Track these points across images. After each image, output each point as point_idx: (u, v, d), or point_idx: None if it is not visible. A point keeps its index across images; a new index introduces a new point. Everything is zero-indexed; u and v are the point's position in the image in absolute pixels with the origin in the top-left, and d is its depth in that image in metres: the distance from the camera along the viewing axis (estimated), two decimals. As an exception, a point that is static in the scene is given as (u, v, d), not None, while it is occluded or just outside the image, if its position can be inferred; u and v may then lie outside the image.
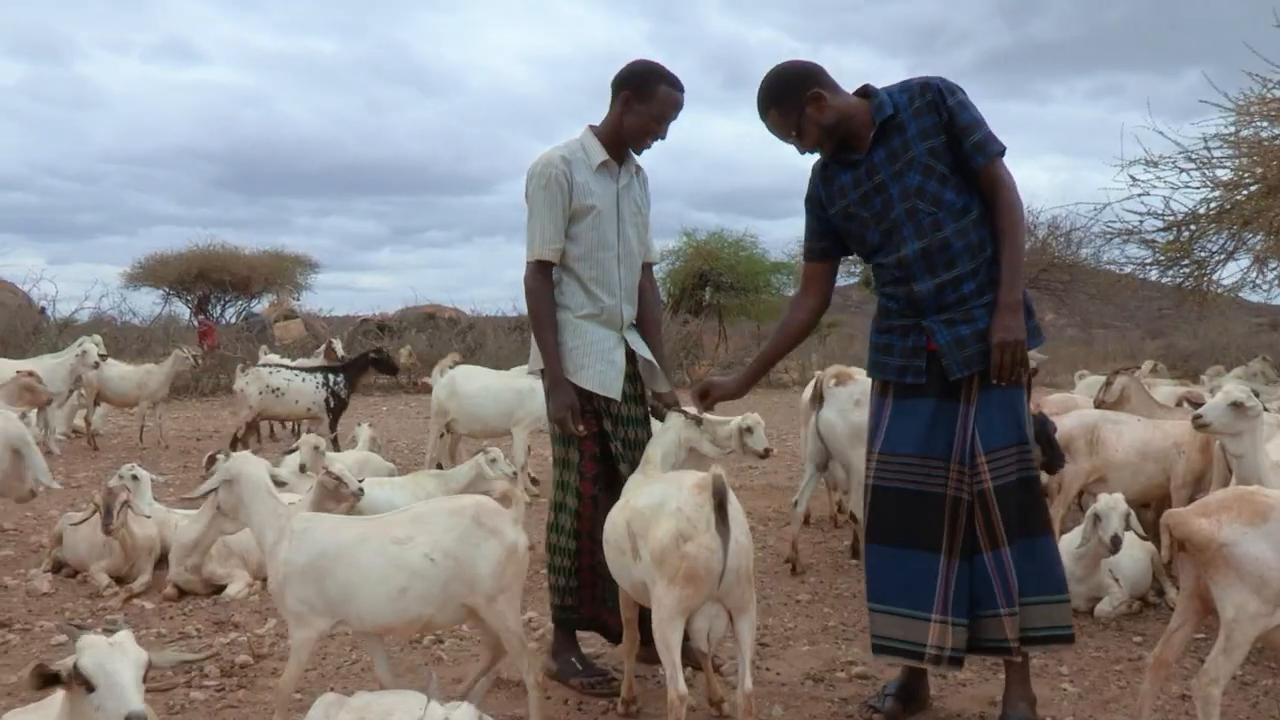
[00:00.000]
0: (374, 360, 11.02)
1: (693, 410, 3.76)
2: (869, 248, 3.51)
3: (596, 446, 3.81)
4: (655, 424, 3.91)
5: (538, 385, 8.41)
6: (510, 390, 8.34)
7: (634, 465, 3.74)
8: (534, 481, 8.66)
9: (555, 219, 3.71)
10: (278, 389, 9.76)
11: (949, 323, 3.35)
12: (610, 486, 3.77)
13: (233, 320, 29.53)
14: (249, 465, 3.41)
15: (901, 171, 3.35)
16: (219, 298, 31.10)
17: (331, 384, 9.80)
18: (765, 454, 5.41)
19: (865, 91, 3.45)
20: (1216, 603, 3.05)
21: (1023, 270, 3.34)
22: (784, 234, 50.07)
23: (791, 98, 3.41)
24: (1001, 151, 3.34)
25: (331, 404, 9.76)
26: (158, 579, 5.16)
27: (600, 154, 3.77)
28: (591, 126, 3.84)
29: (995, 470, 3.33)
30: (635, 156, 3.91)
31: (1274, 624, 3.00)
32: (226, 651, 4.16)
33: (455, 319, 27.07)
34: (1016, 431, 3.37)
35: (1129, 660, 4.25)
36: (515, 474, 7.61)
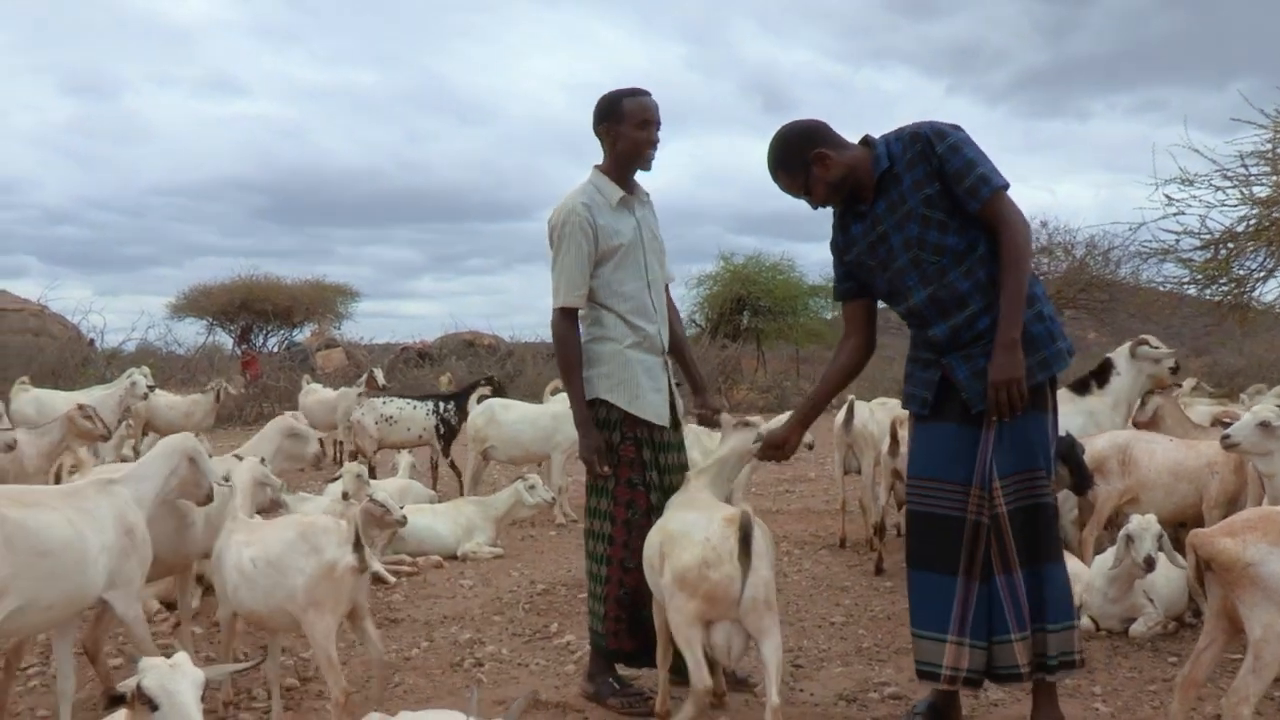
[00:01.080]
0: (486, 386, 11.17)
1: (751, 419, 3.92)
2: (880, 294, 3.66)
3: (632, 473, 3.91)
4: (689, 436, 4.04)
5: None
6: (548, 416, 8.48)
7: (667, 491, 3.86)
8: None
9: (581, 266, 3.84)
10: (390, 417, 9.96)
11: (967, 358, 3.43)
12: (647, 513, 3.87)
13: (275, 349, 29.96)
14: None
15: (901, 223, 3.44)
16: (261, 327, 31.57)
17: (442, 411, 9.99)
18: (809, 447, 5.65)
19: (867, 141, 3.54)
20: (1244, 622, 3.08)
21: (1022, 307, 3.33)
22: (823, 256, 49.49)
23: (796, 159, 3.53)
24: (996, 190, 3.32)
25: (442, 430, 9.94)
26: (208, 605, 5.30)
27: (616, 191, 3.91)
28: (597, 167, 3.98)
29: (1010, 495, 3.39)
30: (641, 185, 4.04)
31: (1302, 643, 3.02)
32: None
33: (494, 346, 27.26)
34: (1032, 458, 3.41)
35: (1163, 681, 4.25)
36: (554, 499, 7.73)
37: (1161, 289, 11.66)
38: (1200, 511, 5.36)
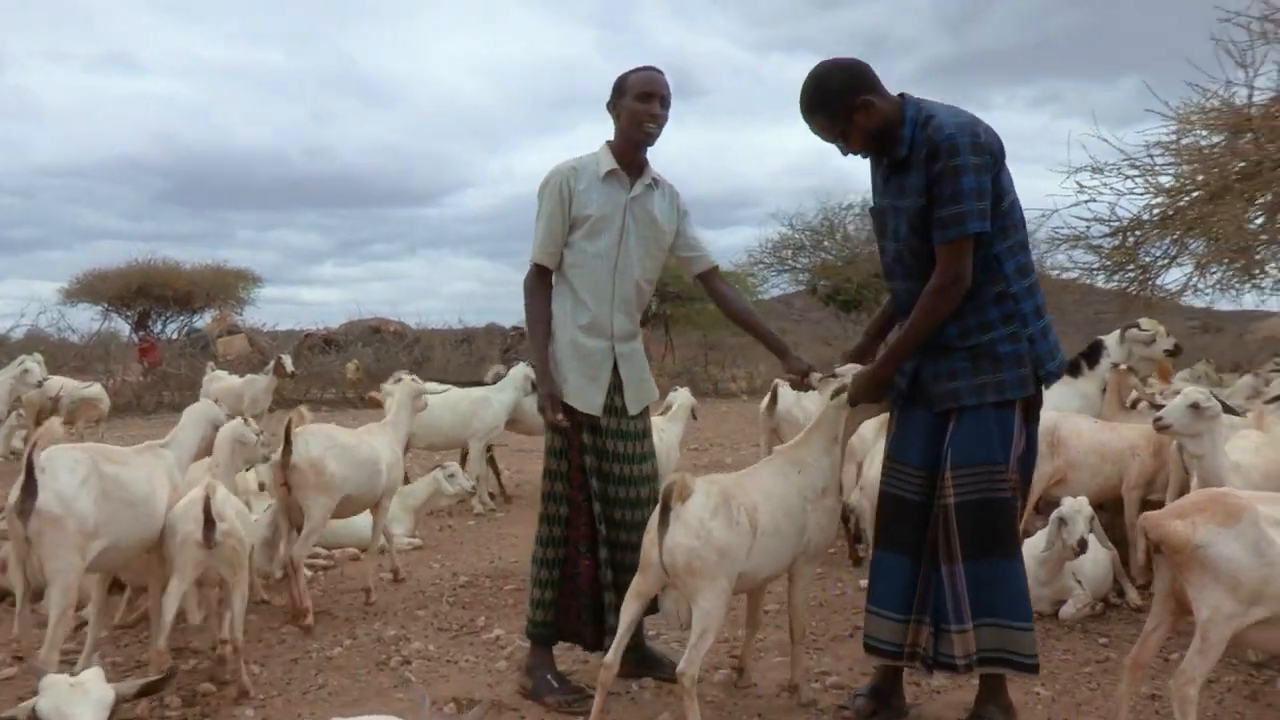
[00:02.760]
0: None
1: (840, 370, 3.75)
2: (879, 247, 3.68)
3: (585, 457, 3.80)
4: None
5: (492, 397, 8.39)
6: (466, 401, 8.27)
7: (608, 479, 3.79)
8: (506, 499, 8.60)
9: (554, 226, 3.78)
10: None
11: (930, 358, 3.45)
12: (600, 498, 3.78)
13: (174, 336, 28.95)
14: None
15: (897, 213, 3.42)
16: (160, 313, 30.48)
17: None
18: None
19: (901, 99, 3.41)
20: (1192, 604, 3.07)
21: (905, 352, 3.43)
22: (729, 242, 50.30)
23: (840, 104, 3.37)
24: (951, 239, 3.24)
25: None
26: (113, 605, 5.00)
27: (609, 164, 3.79)
28: (608, 141, 3.87)
29: (960, 487, 3.35)
30: (654, 170, 3.91)
31: (1248, 623, 3.03)
32: (187, 680, 4.03)
33: (401, 333, 26.78)
34: (989, 452, 3.35)
35: (1097, 662, 4.28)
36: (473, 488, 7.54)
37: (1064, 276, 11.84)
38: (1119, 494, 5.44)
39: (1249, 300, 11.02)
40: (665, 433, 5.99)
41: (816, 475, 3.62)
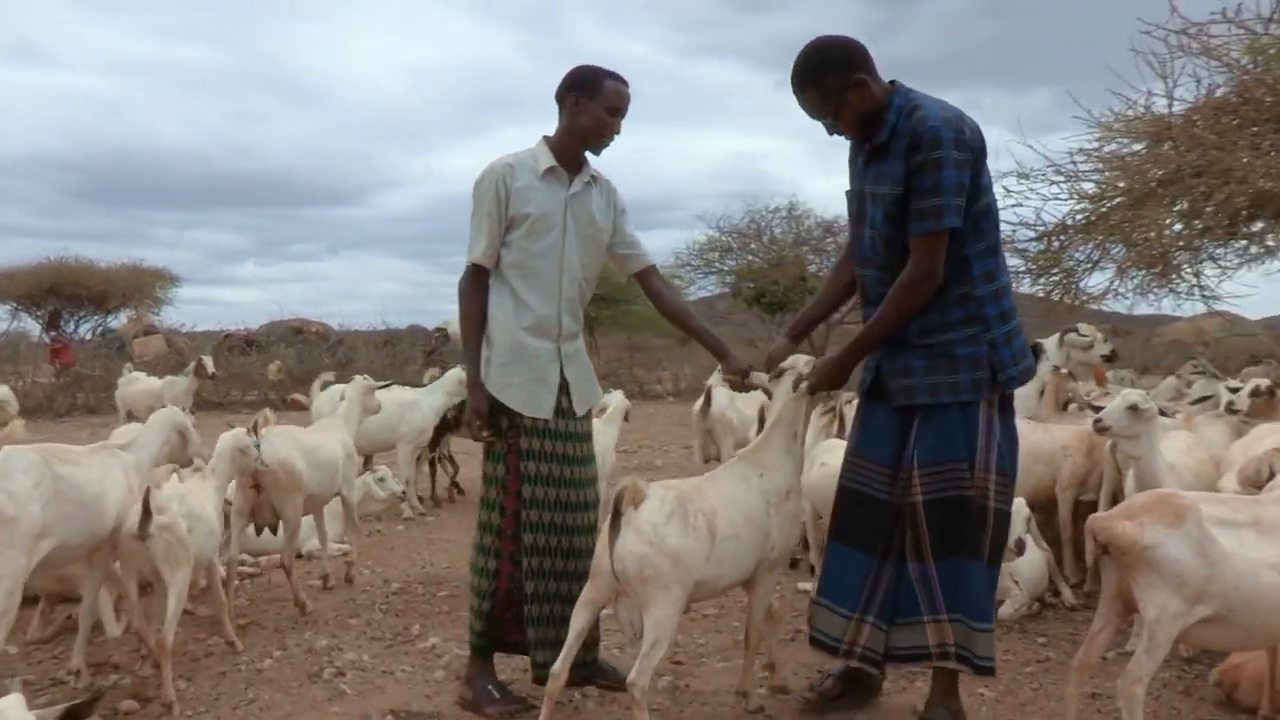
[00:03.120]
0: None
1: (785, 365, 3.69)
2: (849, 217, 3.61)
3: (524, 462, 3.69)
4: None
5: (421, 399, 8.22)
6: (394, 404, 8.09)
7: (558, 484, 3.68)
8: (436, 503, 8.42)
9: (491, 224, 3.65)
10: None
11: (890, 354, 3.44)
12: (539, 504, 3.67)
13: (88, 336, 28.05)
14: None
15: (874, 199, 3.38)
16: (72, 313, 29.51)
17: None
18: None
19: (892, 85, 3.38)
20: (1139, 604, 3.08)
21: (870, 345, 3.46)
22: (655, 245, 50.22)
23: (835, 80, 3.31)
24: (927, 232, 3.22)
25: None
26: (25, 619, 4.76)
27: (547, 160, 3.68)
28: (545, 137, 3.75)
29: (928, 485, 3.34)
30: (594, 167, 3.81)
31: (1192, 621, 3.05)
32: (109, 697, 3.83)
33: (324, 334, 26.34)
34: (953, 450, 3.33)
35: (1038, 662, 4.31)
36: (403, 492, 7.38)
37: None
38: (1052, 495, 5.50)
39: (1166, 305, 11.28)
40: (602, 435, 5.91)
41: (780, 477, 3.55)
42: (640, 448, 12.52)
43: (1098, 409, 4.35)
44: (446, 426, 9.02)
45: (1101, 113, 9.57)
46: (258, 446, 4.76)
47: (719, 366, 9.27)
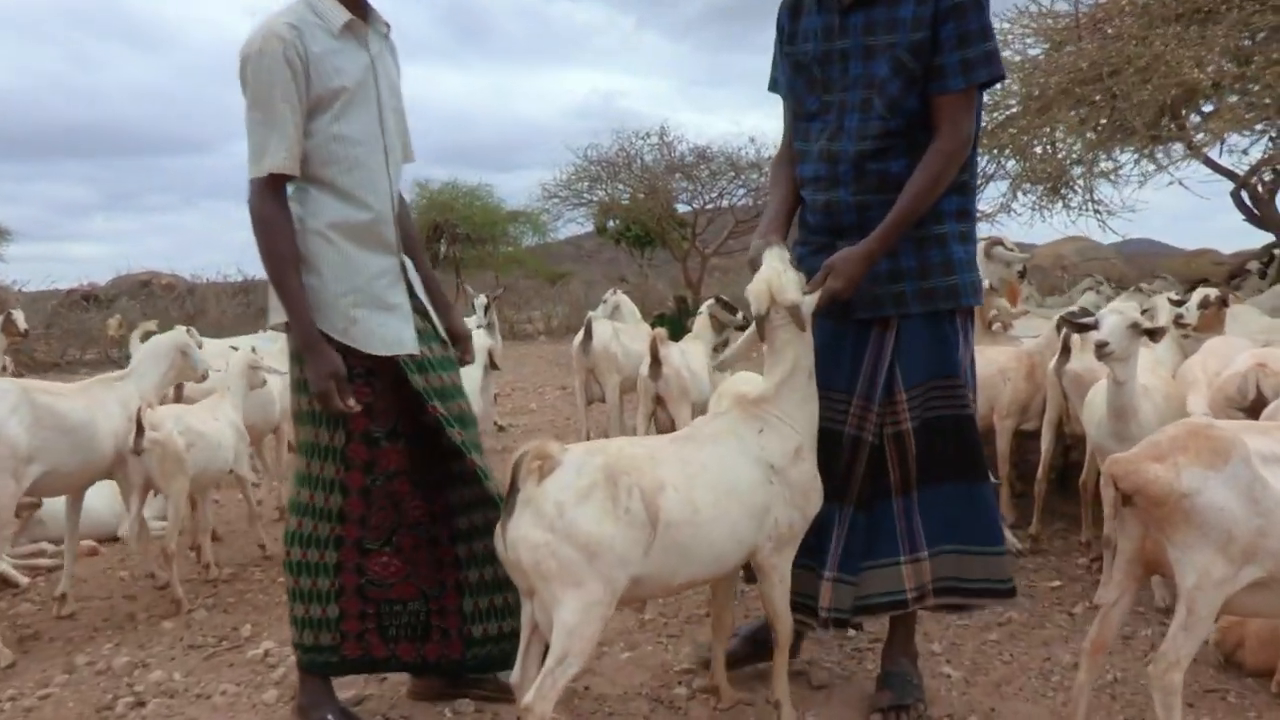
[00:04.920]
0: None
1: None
2: (804, 113, 2.89)
3: (372, 423, 2.77)
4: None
5: (260, 345, 7.12)
6: (225, 355, 6.99)
7: (458, 420, 2.83)
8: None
9: (290, 114, 2.62)
10: None
11: None
12: (395, 475, 2.80)
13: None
14: None
15: (872, 52, 2.72)
16: (-115, 273, 26.85)
17: None
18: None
19: None
20: (1174, 568, 2.40)
21: (907, 223, 2.70)
22: (519, 185, 49.06)
23: None
24: (984, 81, 2.71)
25: None
26: None
27: (340, 13, 2.69)
28: None
29: (918, 408, 2.78)
30: (380, 14, 2.82)
31: (1239, 586, 2.39)
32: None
33: (173, 285, 24.77)
34: (943, 363, 2.81)
35: (999, 625, 3.66)
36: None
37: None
38: (989, 424, 4.87)
39: (1058, 222, 11.02)
40: (466, 379, 5.01)
41: (789, 432, 2.66)
42: (514, 390, 11.68)
43: (1084, 325, 3.64)
44: None
45: (1003, 12, 9.02)
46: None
47: (613, 293, 8.30)
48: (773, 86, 3.04)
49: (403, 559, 2.82)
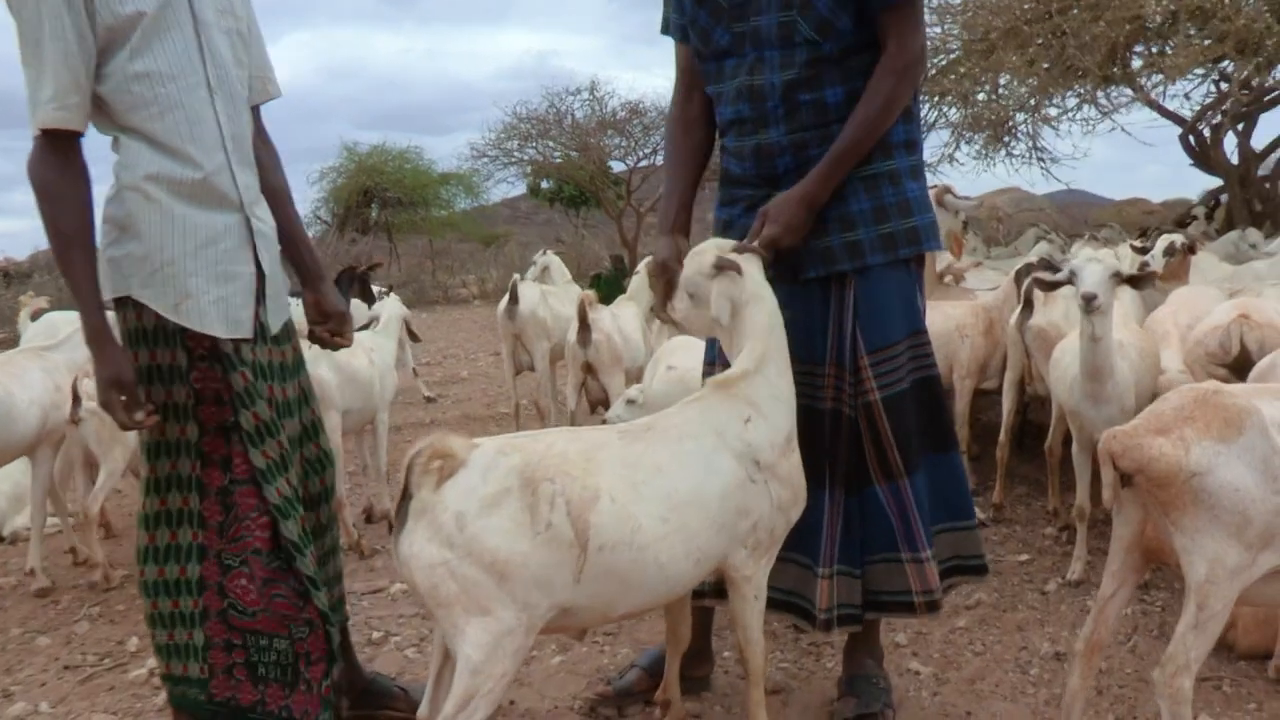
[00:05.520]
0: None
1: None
2: (712, 50, 2.46)
3: (225, 413, 2.29)
4: None
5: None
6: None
7: (277, 449, 2.32)
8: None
9: (65, 56, 2.09)
10: None
11: None
12: (254, 479, 2.30)
13: None
14: None
15: None
16: None
17: None
18: None
19: None
20: (1181, 557, 2.08)
21: (855, 157, 2.34)
22: (452, 147, 48.03)
23: None
24: None
25: None
26: None
27: None
28: None
29: (882, 375, 2.42)
30: None
31: (1257, 575, 2.07)
32: None
33: (96, 256, 23.69)
34: (908, 320, 2.47)
35: (967, 609, 3.35)
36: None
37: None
38: (949, 383, 4.56)
39: (1000, 171, 10.77)
40: (376, 353, 4.57)
41: (779, 418, 2.23)
42: (445, 358, 11.20)
43: (1057, 282, 3.30)
44: None
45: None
46: None
47: (543, 253, 7.76)
48: (665, 29, 2.63)
49: (257, 587, 2.37)
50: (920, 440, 2.46)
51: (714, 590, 2.48)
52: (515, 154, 19.41)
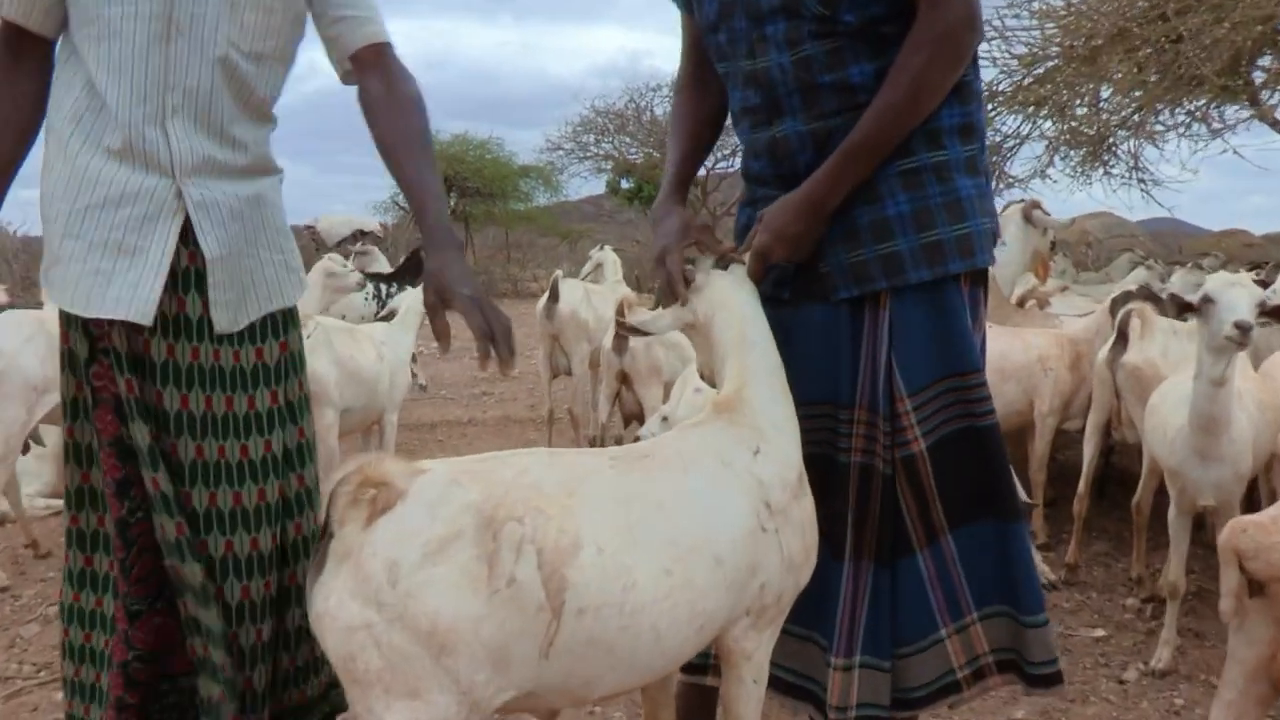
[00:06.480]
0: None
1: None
2: (704, 21, 1.98)
3: (122, 426, 1.84)
4: None
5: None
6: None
7: (178, 472, 1.86)
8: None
9: None
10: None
11: (839, 208, 1.86)
12: (148, 509, 1.84)
13: None
14: None
15: None
16: None
17: (384, 295, 7.59)
18: None
19: None
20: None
21: (870, 154, 1.81)
22: (537, 140, 48.22)
23: None
24: None
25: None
26: None
27: None
28: None
29: (926, 419, 1.87)
30: None
31: None
32: None
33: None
34: (959, 353, 1.88)
35: (1026, 698, 2.80)
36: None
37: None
38: (1028, 421, 4.04)
39: (1097, 191, 10.09)
40: (388, 347, 4.16)
41: (787, 453, 1.79)
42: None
43: (1189, 304, 2.74)
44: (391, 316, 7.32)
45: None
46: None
47: (599, 249, 7.33)
48: None
49: (177, 620, 1.93)
50: (971, 499, 1.92)
51: (718, 666, 2.00)
52: (591, 148, 19.12)
